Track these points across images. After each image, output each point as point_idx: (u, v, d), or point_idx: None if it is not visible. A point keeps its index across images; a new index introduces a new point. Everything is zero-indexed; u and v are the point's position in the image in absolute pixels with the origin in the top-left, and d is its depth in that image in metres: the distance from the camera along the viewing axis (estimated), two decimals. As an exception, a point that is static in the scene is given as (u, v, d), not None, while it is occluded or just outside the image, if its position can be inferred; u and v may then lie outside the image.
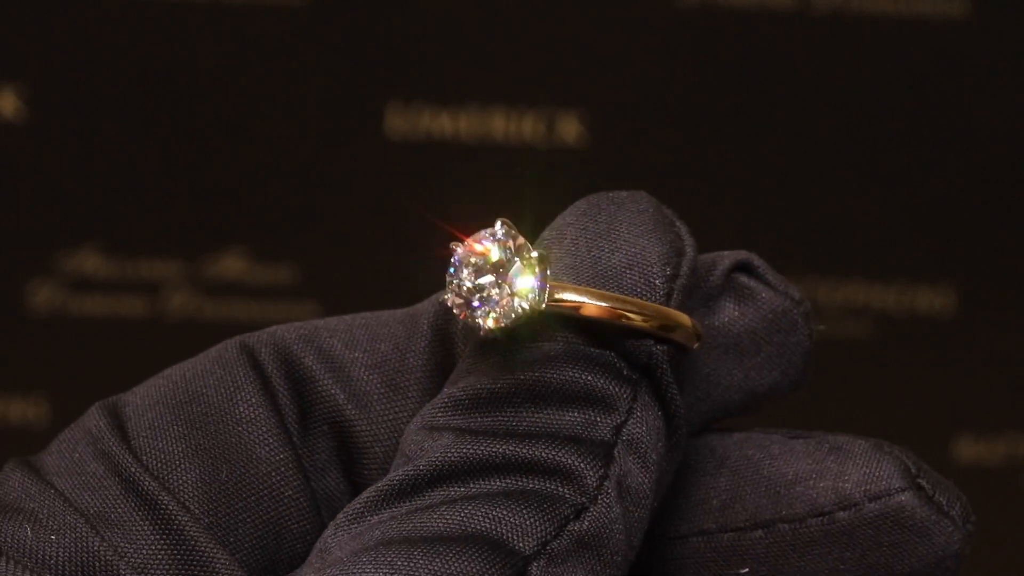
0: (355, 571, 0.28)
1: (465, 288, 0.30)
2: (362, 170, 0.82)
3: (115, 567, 0.29)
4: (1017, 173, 0.82)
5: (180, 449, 0.31)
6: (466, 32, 0.81)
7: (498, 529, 0.28)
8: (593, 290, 0.31)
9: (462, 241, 0.31)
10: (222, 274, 0.82)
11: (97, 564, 0.29)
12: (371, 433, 0.32)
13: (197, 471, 0.31)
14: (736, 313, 0.33)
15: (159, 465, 0.31)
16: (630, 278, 0.31)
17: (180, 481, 0.31)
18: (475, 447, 0.29)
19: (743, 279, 0.33)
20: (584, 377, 0.30)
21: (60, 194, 0.81)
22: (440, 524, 0.28)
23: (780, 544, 0.31)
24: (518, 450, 0.29)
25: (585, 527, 0.29)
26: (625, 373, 0.30)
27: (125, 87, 0.81)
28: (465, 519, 0.28)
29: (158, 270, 0.82)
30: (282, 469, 0.32)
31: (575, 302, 0.30)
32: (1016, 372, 0.84)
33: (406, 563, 0.27)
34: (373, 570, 0.27)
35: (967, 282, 0.83)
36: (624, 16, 0.81)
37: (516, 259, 0.30)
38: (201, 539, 0.30)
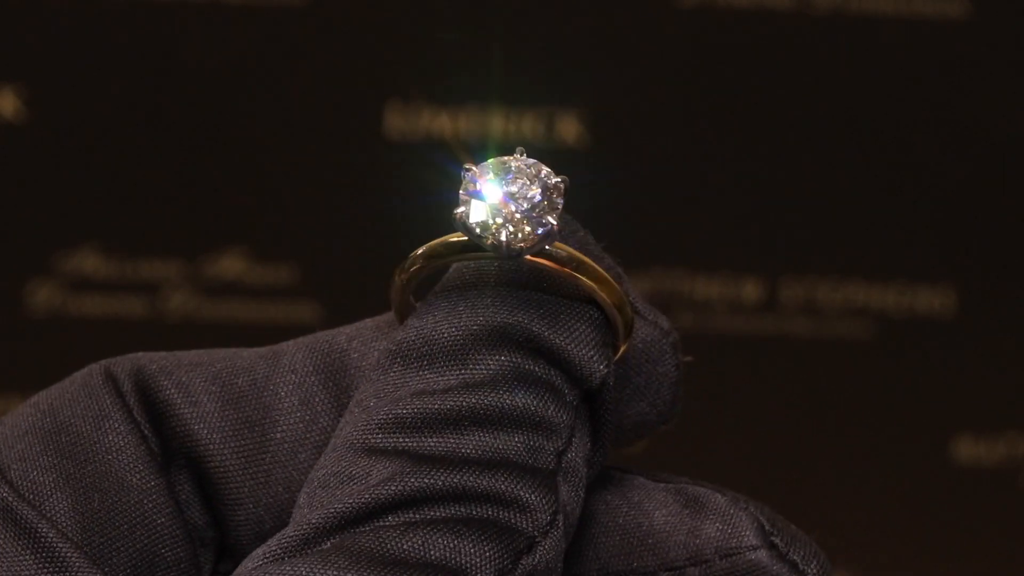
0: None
1: (485, 207, 0.30)
2: (362, 170, 0.82)
3: None
4: (1017, 173, 0.82)
5: (51, 479, 0.31)
6: (465, 32, 0.81)
7: (458, 559, 0.28)
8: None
9: (473, 164, 0.30)
10: (222, 274, 0.82)
11: None
12: (225, 468, 0.32)
13: (69, 500, 0.31)
14: None
15: (32, 496, 0.30)
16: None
17: (54, 510, 0.30)
18: (430, 474, 0.29)
19: None
20: (531, 402, 0.29)
21: (60, 194, 0.81)
22: (398, 548, 0.28)
23: None
24: (473, 479, 0.29)
25: (536, 560, 0.28)
26: (568, 399, 0.30)
27: (125, 87, 0.81)
28: (425, 545, 0.28)
29: (158, 270, 0.82)
30: (154, 496, 0.31)
31: (569, 252, 0.30)
32: (1016, 372, 0.84)
33: None
34: None
35: (967, 282, 0.83)
36: (624, 16, 0.81)
37: (539, 181, 0.30)
38: (84, 568, 0.29)
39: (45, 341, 0.82)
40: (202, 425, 0.32)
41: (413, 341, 0.31)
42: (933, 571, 0.85)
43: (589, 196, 0.84)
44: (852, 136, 0.82)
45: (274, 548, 0.28)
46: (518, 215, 0.30)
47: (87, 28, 0.80)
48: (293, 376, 0.32)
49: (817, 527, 0.33)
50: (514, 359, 0.30)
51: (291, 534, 0.28)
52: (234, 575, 0.28)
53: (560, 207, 0.30)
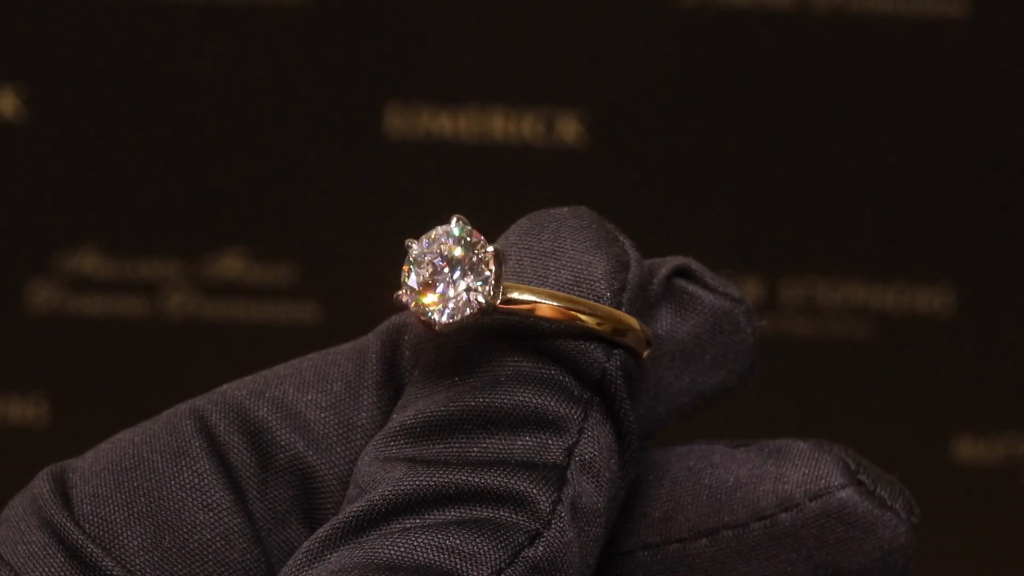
0: None
1: (419, 285, 0.30)
2: (361, 170, 0.82)
3: None
4: (1017, 173, 0.82)
5: (122, 516, 0.31)
6: (466, 32, 0.81)
7: (450, 559, 0.28)
8: (546, 290, 0.31)
9: (415, 238, 0.31)
10: (221, 274, 0.82)
11: None
12: (335, 476, 0.32)
13: (139, 538, 0.31)
14: (677, 319, 0.33)
15: (101, 533, 0.31)
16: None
17: (123, 548, 0.31)
18: (428, 477, 0.29)
19: (682, 284, 0.34)
20: (535, 400, 0.30)
21: (60, 194, 0.81)
22: (390, 553, 0.28)
23: (725, 551, 0.31)
24: (471, 478, 0.29)
25: (540, 552, 0.29)
26: (576, 393, 0.30)
27: (125, 87, 0.81)
28: (416, 548, 0.28)
29: (157, 270, 0.83)
30: (227, 534, 0.31)
31: (528, 302, 0.31)
32: (1016, 372, 0.84)
33: None
34: None
35: (966, 282, 0.83)
36: (624, 16, 0.81)
37: (472, 255, 0.30)
38: None
39: (45, 341, 0.82)
40: (304, 437, 0.32)
41: (431, 354, 0.31)
42: (933, 571, 0.85)
43: (589, 196, 0.84)
44: (852, 136, 0.82)
45: (290, 568, 0.29)
46: (446, 295, 0.30)
47: (87, 28, 0.80)
48: (380, 368, 0.33)
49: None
50: (516, 360, 0.30)
51: (306, 547, 0.29)
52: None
53: (491, 276, 0.30)
